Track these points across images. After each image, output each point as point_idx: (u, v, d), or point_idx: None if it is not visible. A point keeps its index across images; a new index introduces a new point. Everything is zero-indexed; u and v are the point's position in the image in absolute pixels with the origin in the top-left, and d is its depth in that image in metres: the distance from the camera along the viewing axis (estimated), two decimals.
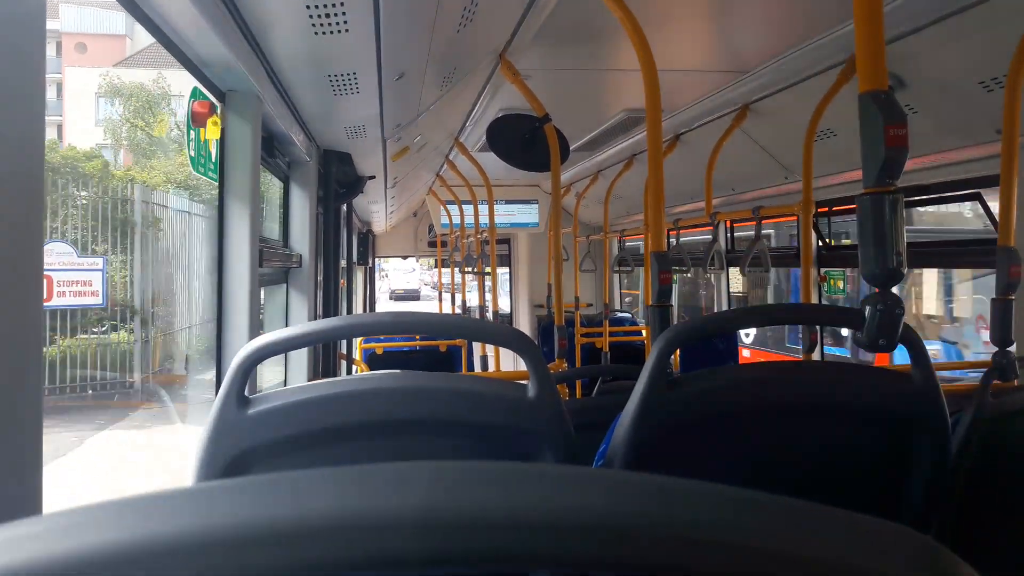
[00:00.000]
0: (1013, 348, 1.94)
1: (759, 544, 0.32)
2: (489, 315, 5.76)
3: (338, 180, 3.76)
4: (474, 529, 0.32)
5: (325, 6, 1.60)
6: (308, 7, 1.60)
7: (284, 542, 0.30)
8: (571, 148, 4.40)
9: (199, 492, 0.32)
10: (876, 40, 1.25)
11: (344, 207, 4.52)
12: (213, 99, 2.06)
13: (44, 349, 1.08)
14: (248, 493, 0.32)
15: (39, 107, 0.93)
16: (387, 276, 32.70)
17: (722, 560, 0.32)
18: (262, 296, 2.95)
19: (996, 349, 1.93)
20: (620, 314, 7.64)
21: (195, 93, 2.01)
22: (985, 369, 1.75)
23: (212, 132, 2.05)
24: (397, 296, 32.30)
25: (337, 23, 1.70)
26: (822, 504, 0.35)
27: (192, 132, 2.02)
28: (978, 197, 3.14)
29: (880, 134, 1.22)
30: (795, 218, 4.07)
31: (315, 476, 0.33)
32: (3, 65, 0.85)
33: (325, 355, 3.67)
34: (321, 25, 1.71)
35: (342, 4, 1.59)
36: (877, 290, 1.30)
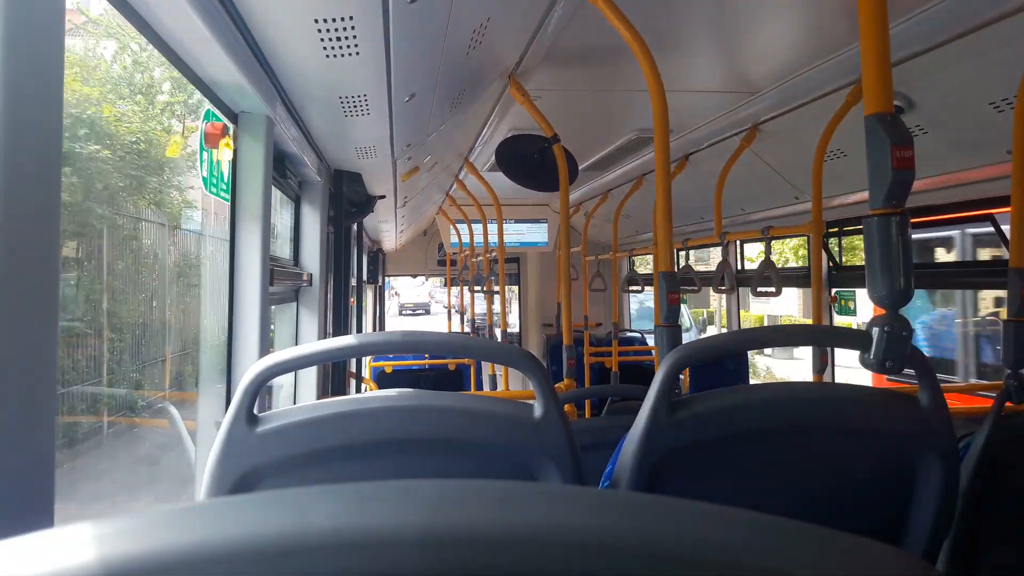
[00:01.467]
0: None
1: (740, 563, 0.33)
2: (498, 334, 5.77)
3: (349, 199, 3.78)
4: (475, 546, 0.32)
5: (336, 30, 1.62)
6: (319, 31, 1.62)
7: (287, 557, 0.31)
8: (580, 168, 4.42)
9: (204, 508, 0.32)
10: (882, 63, 1.26)
11: (354, 226, 4.54)
12: (226, 120, 2.09)
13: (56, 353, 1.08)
14: (252, 509, 0.32)
15: (56, 107, 0.94)
16: (397, 294, 31.74)
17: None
18: (273, 314, 2.96)
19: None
20: (630, 334, 7.63)
21: (208, 115, 2.03)
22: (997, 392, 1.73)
23: (224, 153, 2.07)
24: (407, 311, 31.42)
25: (348, 46, 1.72)
26: (820, 525, 0.35)
27: (205, 153, 2.05)
28: (990, 218, 3.13)
29: (887, 156, 1.22)
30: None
31: (319, 493, 0.33)
32: (22, 65, 0.86)
33: (334, 373, 3.67)
34: (332, 48, 1.73)
35: (353, 28, 1.61)
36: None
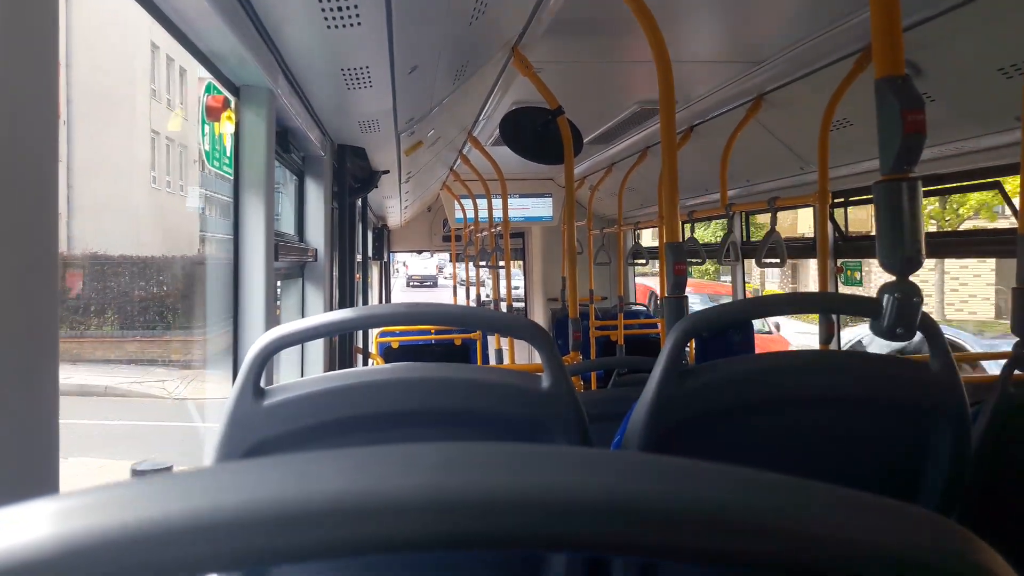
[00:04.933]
0: None
1: (788, 526, 0.32)
2: (503, 308, 5.77)
3: (352, 175, 3.77)
4: (481, 509, 0.31)
5: None
6: (320, 1, 1.60)
7: (288, 523, 0.30)
8: (584, 141, 4.39)
9: (201, 474, 0.32)
10: (893, 25, 1.24)
11: (359, 202, 4.54)
12: (227, 93, 2.07)
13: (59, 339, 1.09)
14: (251, 475, 0.32)
15: (52, 108, 0.94)
16: (405, 265, 32.63)
17: (736, 540, 0.32)
18: (278, 290, 2.96)
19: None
20: (635, 307, 7.62)
21: (209, 88, 2.02)
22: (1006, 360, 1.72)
23: (226, 126, 2.06)
24: (414, 283, 32.25)
25: (349, 16, 1.70)
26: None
27: (206, 126, 2.03)
28: (998, 186, 3.10)
29: (897, 120, 1.21)
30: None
31: (320, 458, 0.32)
32: (16, 66, 0.86)
33: (341, 349, 3.68)
34: (334, 19, 1.71)
35: None
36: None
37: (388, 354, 5.95)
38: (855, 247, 4.12)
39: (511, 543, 0.32)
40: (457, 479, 0.32)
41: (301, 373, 3.14)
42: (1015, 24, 2.13)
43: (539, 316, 8.65)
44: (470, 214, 6.97)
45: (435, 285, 31.90)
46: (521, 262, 9.28)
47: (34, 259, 0.90)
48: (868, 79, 1.28)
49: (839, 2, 2.42)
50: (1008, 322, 1.62)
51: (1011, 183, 3.02)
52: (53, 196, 0.94)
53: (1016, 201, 2.16)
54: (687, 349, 1.26)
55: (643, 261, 6.32)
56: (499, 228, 5.41)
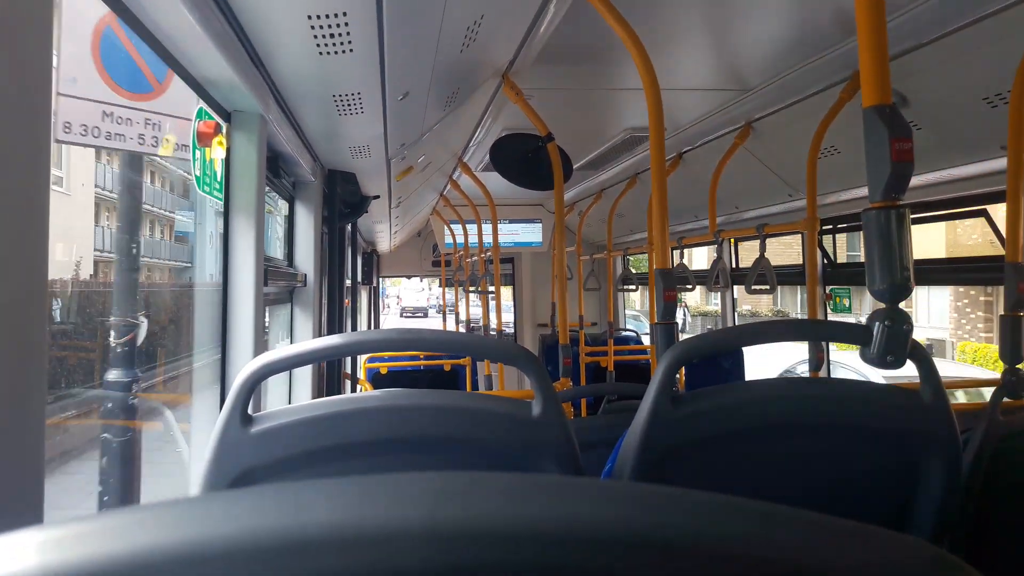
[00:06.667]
0: (1023, 366, 1.92)
1: (772, 555, 0.32)
2: (493, 334, 5.76)
3: (343, 200, 3.77)
4: (479, 540, 0.31)
5: (330, 27, 1.61)
6: (313, 28, 1.61)
7: (286, 554, 0.30)
8: (574, 167, 4.41)
9: (197, 503, 0.31)
10: (880, 54, 1.25)
11: (349, 227, 4.53)
12: (219, 119, 2.07)
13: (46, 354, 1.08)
14: (247, 504, 0.31)
15: (45, 109, 0.93)
16: (399, 299, 38.25)
17: (731, 569, 0.32)
18: (267, 315, 2.95)
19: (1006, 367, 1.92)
20: (624, 333, 7.63)
21: (201, 113, 2.02)
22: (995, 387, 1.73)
23: (217, 152, 2.06)
24: (407, 314, 37.14)
25: (341, 43, 1.71)
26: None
27: (197, 151, 2.03)
28: (984, 214, 3.13)
29: (886, 149, 1.22)
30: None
31: (317, 487, 0.32)
32: (8, 67, 0.85)
33: (329, 375, 3.66)
34: (326, 46, 1.72)
35: (346, 25, 1.60)
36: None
37: (376, 380, 5.92)
38: (844, 274, 4.15)
39: (507, 574, 0.31)
40: (455, 509, 0.31)
41: (288, 398, 3.11)
42: (999, 54, 2.16)
43: (529, 342, 8.64)
44: (460, 239, 6.99)
45: (426, 315, 36.37)
46: (511, 288, 9.29)
47: (23, 263, 0.88)
48: (855, 107, 1.29)
49: (826, 31, 2.45)
50: None
51: (997, 210, 3.05)
52: (44, 197, 0.93)
53: (1002, 228, 2.18)
54: (676, 376, 1.26)
55: (632, 287, 6.33)
56: (489, 253, 5.42)
